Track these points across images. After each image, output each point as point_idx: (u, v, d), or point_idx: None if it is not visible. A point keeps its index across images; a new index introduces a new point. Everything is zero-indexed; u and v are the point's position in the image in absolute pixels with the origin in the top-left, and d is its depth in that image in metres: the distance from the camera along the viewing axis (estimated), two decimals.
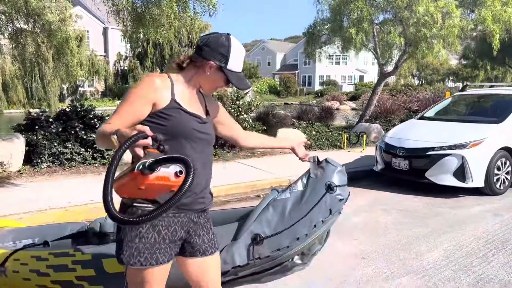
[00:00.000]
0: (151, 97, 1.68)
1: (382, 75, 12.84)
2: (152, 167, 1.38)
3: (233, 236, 2.34)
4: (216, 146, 8.56)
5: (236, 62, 1.79)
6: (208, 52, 1.76)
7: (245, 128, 8.73)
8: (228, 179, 6.37)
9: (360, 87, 43.88)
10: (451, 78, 44.82)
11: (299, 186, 2.37)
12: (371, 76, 53.64)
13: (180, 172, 1.43)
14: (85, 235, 3.00)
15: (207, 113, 1.90)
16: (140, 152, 1.42)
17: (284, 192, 2.39)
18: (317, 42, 13.52)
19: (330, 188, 2.29)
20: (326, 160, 2.38)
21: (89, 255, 2.47)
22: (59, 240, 2.98)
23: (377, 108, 13.25)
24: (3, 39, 7.34)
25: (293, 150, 2.25)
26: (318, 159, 2.38)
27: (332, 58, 50.12)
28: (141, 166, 1.38)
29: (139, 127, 1.46)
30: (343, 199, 2.32)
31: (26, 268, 2.65)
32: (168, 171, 1.42)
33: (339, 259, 3.86)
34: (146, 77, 1.75)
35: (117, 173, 1.45)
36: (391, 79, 31.77)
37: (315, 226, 2.28)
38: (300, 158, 2.24)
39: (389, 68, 13.14)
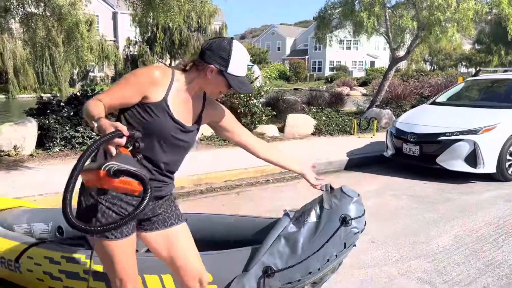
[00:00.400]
0: (145, 90, 1.70)
1: (394, 60, 12.68)
2: (116, 175, 1.43)
3: (244, 267, 2.28)
4: None
5: (237, 66, 1.78)
6: (210, 55, 1.76)
7: (254, 114, 8.74)
8: (237, 164, 6.40)
9: (371, 72, 43.41)
10: (464, 63, 44.16)
11: (312, 217, 2.27)
12: (382, 62, 52.97)
13: (142, 179, 1.48)
14: None
15: (198, 119, 1.90)
16: (112, 150, 1.48)
17: (297, 222, 2.30)
18: (328, 26, 13.34)
19: (345, 221, 2.18)
20: (341, 190, 2.28)
21: (102, 267, 2.47)
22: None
23: (388, 93, 13.12)
24: (14, 24, 7.37)
25: (303, 176, 2.21)
26: (331, 187, 2.31)
27: (343, 43, 49.53)
28: (106, 169, 1.42)
29: (119, 125, 1.50)
30: (358, 231, 2.23)
31: (40, 269, 2.67)
32: (131, 179, 1.47)
33: None
34: (147, 68, 1.78)
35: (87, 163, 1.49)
36: (402, 64, 31.40)
37: (328, 260, 2.22)
38: (312, 185, 2.21)
39: (401, 53, 12.96)
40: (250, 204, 5.06)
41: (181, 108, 1.79)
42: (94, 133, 7.07)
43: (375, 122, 9.81)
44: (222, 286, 2.27)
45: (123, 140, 1.50)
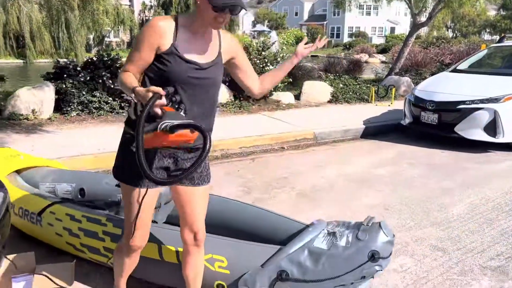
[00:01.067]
0: (154, 42, 1.75)
1: (415, 26, 12.29)
2: (172, 130, 1.56)
3: (264, 262, 2.30)
4: (241, 98, 8.53)
5: None
6: None
7: None
8: (252, 131, 6.39)
9: (391, 39, 42.25)
10: (488, 30, 42.57)
11: (342, 241, 2.25)
12: (403, 28, 51.44)
13: (195, 127, 1.62)
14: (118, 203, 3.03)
15: (218, 55, 1.90)
16: (158, 111, 1.58)
17: (325, 239, 2.30)
18: None
19: (373, 257, 2.17)
20: (379, 225, 2.27)
21: (120, 230, 2.53)
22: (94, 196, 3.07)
23: (407, 61, 12.79)
24: None
25: (297, 55, 2.14)
26: (373, 220, 2.30)
27: (363, 8, 48.12)
28: (162, 127, 1.55)
29: (153, 89, 1.59)
30: (381, 270, 2.21)
31: (60, 225, 2.77)
32: (185, 130, 1.61)
33: (362, 209, 3.90)
34: (150, 22, 1.78)
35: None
36: (423, 31, 30.46)
37: (343, 285, 2.23)
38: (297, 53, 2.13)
39: (422, 18, 12.54)
40: (265, 171, 5.08)
41: (193, 48, 1.81)
42: (111, 98, 7.11)
43: (393, 90, 9.63)
44: (235, 274, 2.33)
45: (163, 101, 1.60)
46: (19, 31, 22.92)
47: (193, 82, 1.80)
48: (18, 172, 3.46)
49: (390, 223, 3.60)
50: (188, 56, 1.79)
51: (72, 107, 6.77)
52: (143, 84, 1.84)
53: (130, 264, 2.12)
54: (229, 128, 6.61)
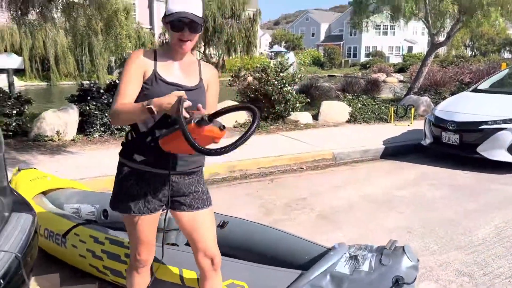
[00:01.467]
0: (138, 69, 1.86)
1: (433, 46, 12.26)
2: (210, 119, 1.64)
3: (286, 287, 2.29)
4: (260, 119, 8.59)
5: (172, 4, 1.81)
6: None
7: (288, 101, 8.69)
8: (271, 151, 6.41)
9: (408, 58, 42.17)
10: (507, 48, 42.10)
11: (365, 266, 2.23)
12: (420, 47, 51.33)
13: (223, 127, 1.70)
14: None
15: (200, 80, 1.98)
16: (186, 113, 1.63)
17: (347, 264, 2.28)
18: (364, 11, 13.03)
19: (397, 283, 2.14)
20: (403, 249, 2.25)
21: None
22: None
23: (426, 80, 12.72)
24: (57, 13, 7.59)
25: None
26: (396, 244, 2.29)
27: (379, 28, 48.29)
28: (197, 120, 1.62)
29: (177, 92, 1.67)
30: None
31: (84, 246, 2.81)
32: (215, 126, 1.68)
33: (383, 232, 3.84)
34: (131, 55, 1.91)
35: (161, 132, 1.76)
36: (442, 50, 30.31)
37: None
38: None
39: (441, 38, 12.51)
40: (285, 192, 5.07)
41: (174, 73, 1.91)
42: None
43: (413, 109, 9.57)
44: None
45: (189, 103, 1.67)
46: (45, 55, 23.75)
47: None
48: (44, 193, 3.54)
49: (413, 247, 3.54)
50: (169, 79, 1.88)
51: (95, 128, 6.92)
52: None
53: (142, 282, 2.16)
54: (247, 149, 6.62)
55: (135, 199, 1.93)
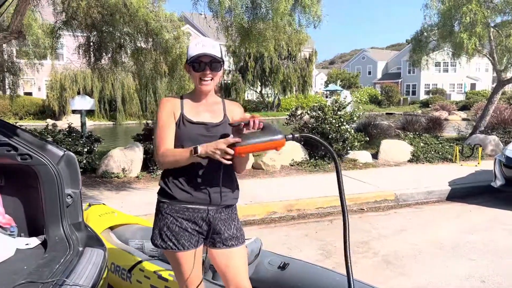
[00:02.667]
0: (170, 111, 2.01)
1: (500, 83, 11.73)
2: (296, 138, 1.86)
3: None
4: (317, 157, 8.53)
5: (192, 49, 1.97)
6: None
7: (346, 139, 8.58)
8: (329, 191, 6.30)
9: (472, 95, 40.51)
10: None
11: None
12: (484, 84, 49.19)
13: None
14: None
15: (224, 117, 2.08)
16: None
17: None
18: (424, 49, 12.81)
19: None
20: None
21: None
22: None
23: (493, 118, 12.11)
24: (126, 58, 8.15)
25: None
26: None
27: (440, 66, 47.04)
28: (290, 136, 1.84)
29: (223, 140, 1.80)
30: None
31: (148, 282, 2.87)
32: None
33: (454, 281, 3.59)
34: (161, 101, 2.07)
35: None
36: (509, 87, 28.85)
37: None
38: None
39: (508, 74, 11.95)
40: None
41: (199, 113, 2.04)
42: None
43: (480, 149, 9.08)
44: None
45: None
46: (112, 96, 25.37)
47: (203, 140, 1.94)
48: (110, 228, 3.69)
49: None
50: (195, 119, 2.01)
51: (158, 166, 7.19)
52: None
53: None
54: (305, 188, 6.58)
55: (176, 235, 1.99)
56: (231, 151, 1.76)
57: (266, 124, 1.89)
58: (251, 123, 1.83)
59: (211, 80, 1.99)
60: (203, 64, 1.95)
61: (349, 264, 1.75)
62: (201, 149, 1.81)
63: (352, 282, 1.66)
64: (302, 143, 8.64)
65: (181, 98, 2.07)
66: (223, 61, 2.01)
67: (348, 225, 1.82)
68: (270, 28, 5.77)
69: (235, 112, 2.14)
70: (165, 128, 1.99)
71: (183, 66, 2.17)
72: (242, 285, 2.10)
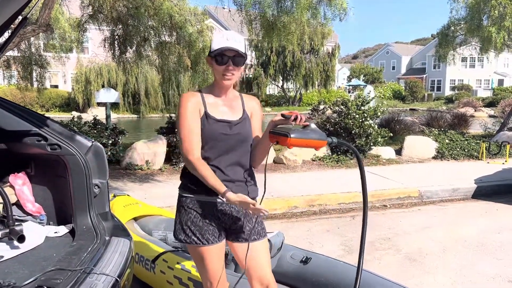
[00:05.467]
0: (195, 107, 1.97)
1: None
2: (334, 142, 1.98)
3: None
4: (339, 153, 8.46)
5: (215, 42, 1.95)
6: None
7: (369, 135, 8.47)
8: (352, 186, 6.24)
9: (499, 92, 39.41)
10: None
11: None
12: None
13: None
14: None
15: (244, 112, 2.08)
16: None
17: None
18: (451, 44, 12.54)
19: None
20: None
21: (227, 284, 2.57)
22: None
23: None
24: (151, 51, 8.24)
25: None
26: None
27: (466, 61, 45.90)
28: (330, 140, 1.95)
29: (250, 201, 1.88)
30: None
31: (171, 273, 2.90)
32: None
33: (480, 280, 3.51)
34: (182, 99, 2.01)
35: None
36: None
37: None
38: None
39: None
40: (367, 231, 4.85)
41: (221, 109, 2.02)
42: None
43: (508, 146, 8.84)
44: None
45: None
46: (136, 90, 25.72)
47: (225, 137, 1.97)
48: (134, 219, 3.75)
49: None
50: (218, 117, 1.99)
51: (180, 159, 7.26)
52: None
53: None
54: (327, 183, 6.54)
55: (200, 229, 1.99)
56: (265, 212, 1.86)
57: (309, 122, 1.93)
58: (299, 118, 1.84)
59: (233, 75, 1.96)
60: (226, 58, 1.92)
61: (362, 259, 1.72)
62: (232, 198, 1.86)
63: (360, 275, 1.62)
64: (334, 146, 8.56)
65: (200, 91, 2.05)
66: (246, 56, 1.99)
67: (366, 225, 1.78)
68: (294, 21, 5.73)
69: (254, 108, 2.14)
70: (193, 129, 1.94)
71: (205, 59, 2.15)
72: (265, 278, 2.10)
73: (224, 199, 1.89)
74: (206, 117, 1.97)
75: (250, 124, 2.08)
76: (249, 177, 2.08)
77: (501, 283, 3.47)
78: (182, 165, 7.14)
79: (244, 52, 1.95)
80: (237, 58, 1.94)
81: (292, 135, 1.80)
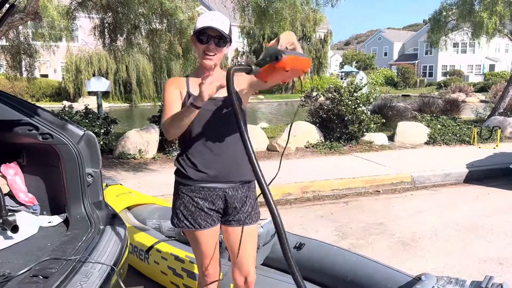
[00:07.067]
0: (176, 91, 1.97)
1: None
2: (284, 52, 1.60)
3: None
4: (332, 139, 8.48)
5: (199, 22, 1.91)
6: None
7: (362, 121, 8.49)
8: (345, 173, 6.28)
9: (491, 77, 39.60)
10: None
11: None
12: (504, 65, 48.03)
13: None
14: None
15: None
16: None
17: None
18: (443, 29, 12.51)
19: None
20: (501, 287, 2.13)
21: (221, 274, 2.54)
22: None
23: None
24: (141, 39, 8.15)
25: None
26: (492, 281, 2.15)
27: (458, 46, 46.02)
28: (280, 54, 1.59)
29: (205, 77, 1.71)
30: None
31: (165, 263, 2.90)
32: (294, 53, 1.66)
33: (472, 263, 3.57)
34: (166, 83, 2.04)
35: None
36: None
37: None
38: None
39: None
40: (360, 215, 4.92)
41: None
42: None
43: (499, 131, 8.91)
44: None
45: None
46: (127, 79, 25.48)
47: (209, 115, 1.94)
48: (128, 208, 3.74)
49: (506, 280, 3.24)
50: None
51: (174, 147, 7.23)
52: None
53: None
54: (320, 169, 6.56)
55: (192, 214, 2.00)
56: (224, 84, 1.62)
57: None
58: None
59: (214, 55, 1.93)
60: (209, 37, 1.90)
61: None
62: (199, 97, 1.72)
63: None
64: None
65: (187, 77, 2.05)
66: (230, 39, 1.96)
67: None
68: (286, 6, 5.68)
69: (240, 80, 2.05)
70: (171, 104, 1.95)
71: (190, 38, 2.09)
72: (246, 267, 2.12)
73: (198, 104, 1.76)
74: (188, 96, 1.96)
75: (240, 101, 2.02)
76: (244, 158, 2.04)
77: (492, 265, 3.53)
78: (175, 153, 7.17)
79: (228, 33, 1.92)
80: (220, 39, 1.92)
81: (284, 54, 1.58)
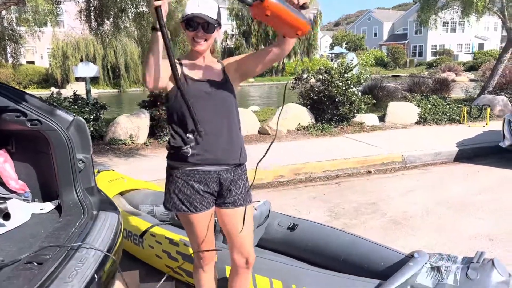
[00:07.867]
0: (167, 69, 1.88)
1: (510, 41, 11.44)
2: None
3: None
4: (323, 121, 8.49)
5: (188, 8, 1.89)
6: None
7: (353, 102, 8.50)
8: (336, 154, 6.30)
9: (480, 56, 39.72)
10: None
11: (450, 280, 2.08)
12: (493, 43, 48.14)
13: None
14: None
15: (225, 75, 2.05)
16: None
17: (429, 275, 2.15)
18: (432, 7, 12.45)
19: None
20: (492, 262, 2.10)
21: (216, 257, 2.58)
22: None
23: (502, 78, 11.91)
24: (128, 22, 8.00)
25: None
26: (483, 256, 2.15)
27: (447, 25, 45.96)
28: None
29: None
30: None
31: (160, 247, 2.91)
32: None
33: (462, 240, 3.63)
34: None
35: None
36: None
37: None
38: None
39: None
40: (352, 196, 4.96)
41: (198, 71, 2.00)
42: None
43: (488, 109, 8.99)
44: None
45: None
46: (116, 63, 25.11)
47: (205, 97, 1.95)
48: (121, 193, 3.73)
49: (495, 255, 3.30)
50: (196, 77, 1.98)
51: (164, 132, 7.19)
52: (169, 114, 2.02)
53: (209, 279, 2.21)
54: (312, 151, 6.58)
55: (188, 198, 2.00)
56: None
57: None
58: None
59: (204, 40, 1.94)
60: (196, 24, 1.90)
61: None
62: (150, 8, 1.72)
63: None
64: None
65: (178, 59, 2.02)
66: (219, 23, 1.96)
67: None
68: None
69: (231, 63, 2.08)
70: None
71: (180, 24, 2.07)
72: (245, 247, 2.13)
73: (157, 27, 1.73)
74: (184, 78, 1.95)
75: (231, 89, 2.05)
76: (236, 140, 2.05)
77: (482, 241, 3.59)
78: (166, 138, 7.12)
79: (216, 19, 1.92)
80: (207, 24, 1.91)
81: None
